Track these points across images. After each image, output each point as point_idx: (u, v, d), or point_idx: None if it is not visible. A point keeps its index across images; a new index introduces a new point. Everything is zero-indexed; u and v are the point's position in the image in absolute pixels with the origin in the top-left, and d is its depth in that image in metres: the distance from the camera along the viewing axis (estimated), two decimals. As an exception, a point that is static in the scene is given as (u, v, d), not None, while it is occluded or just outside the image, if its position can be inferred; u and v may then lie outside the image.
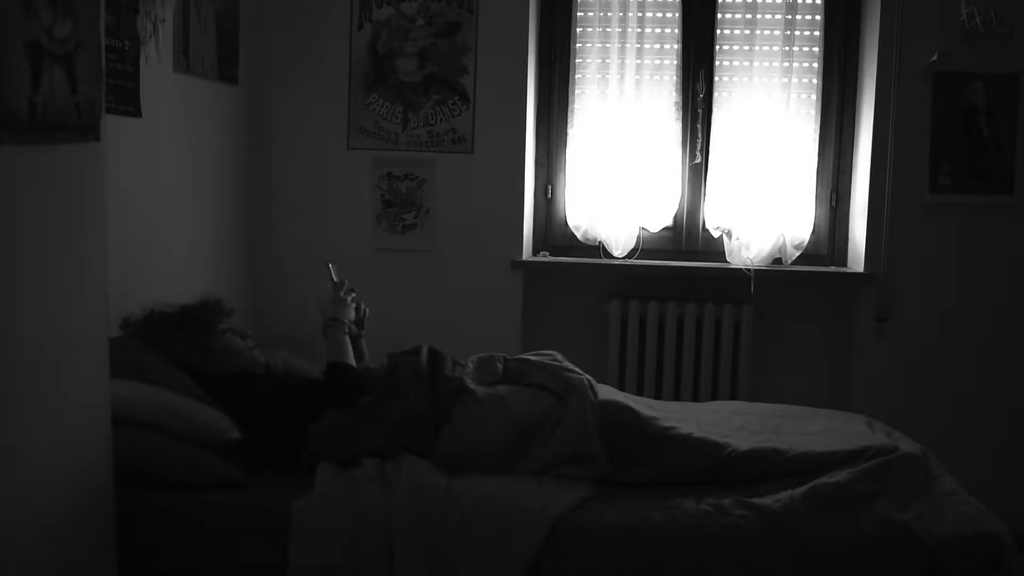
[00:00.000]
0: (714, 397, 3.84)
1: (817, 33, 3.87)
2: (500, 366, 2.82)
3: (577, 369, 2.74)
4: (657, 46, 3.91)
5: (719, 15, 3.89)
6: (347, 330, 2.93)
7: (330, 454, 2.48)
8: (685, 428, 2.57)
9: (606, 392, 2.75)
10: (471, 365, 2.82)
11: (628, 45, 3.88)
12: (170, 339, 2.77)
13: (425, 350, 2.79)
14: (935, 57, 3.65)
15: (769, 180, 3.87)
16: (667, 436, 2.52)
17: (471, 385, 2.65)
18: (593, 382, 2.68)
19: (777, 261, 3.90)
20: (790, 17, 3.84)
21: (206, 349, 2.79)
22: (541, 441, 2.50)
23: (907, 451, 2.52)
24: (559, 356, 2.83)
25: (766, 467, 2.46)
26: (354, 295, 3.06)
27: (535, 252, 4.08)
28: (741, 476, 2.46)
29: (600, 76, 3.92)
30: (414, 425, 2.52)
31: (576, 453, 2.46)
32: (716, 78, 3.92)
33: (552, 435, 2.50)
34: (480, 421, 2.53)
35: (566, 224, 4.04)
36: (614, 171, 3.92)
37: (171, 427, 2.44)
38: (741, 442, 2.55)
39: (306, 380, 2.87)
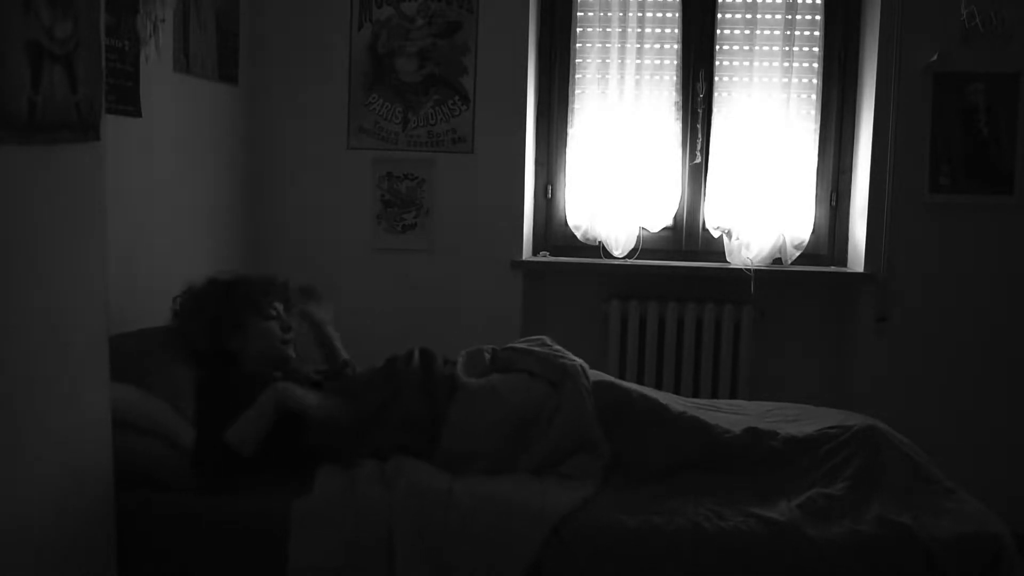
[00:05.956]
0: (714, 397, 3.83)
1: (817, 33, 3.87)
2: (488, 356, 2.80)
3: (568, 353, 2.72)
4: (657, 46, 3.91)
5: (719, 15, 3.89)
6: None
7: (331, 456, 2.47)
8: (678, 407, 2.60)
9: (596, 377, 2.75)
10: (460, 360, 2.80)
11: (628, 45, 3.88)
12: (211, 307, 2.71)
13: (417, 352, 2.77)
14: (935, 57, 3.65)
15: (769, 180, 3.87)
16: (661, 413, 2.54)
17: (463, 379, 2.63)
18: (586, 367, 2.67)
19: (777, 261, 3.90)
20: (790, 17, 3.84)
21: (241, 325, 2.72)
22: (541, 431, 2.49)
23: (884, 434, 2.52)
24: (548, 340, 2.82)
25: (759, 446, 2.48)
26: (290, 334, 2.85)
27: (535, 252, 4.08)
28: (734, 453, 2.47)
29: (600, 76, 3.92)
30: (412, 429, 2.52)
31: (578, 442, 2.46)
32: (716, 78, 3.93)
33: (552, 423, 2.49)
34: (476, 415, 2.52)
35: (566, 224, 4.04)
36: (614, 171, 3.92)
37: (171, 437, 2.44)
38: (734, 427, 2.57)
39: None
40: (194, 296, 2.80)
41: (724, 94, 3.92)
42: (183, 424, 2.50)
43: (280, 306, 2.84)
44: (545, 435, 2.48)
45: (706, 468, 2.47)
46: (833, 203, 3.98)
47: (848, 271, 3.93)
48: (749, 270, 3.83)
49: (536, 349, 2.74)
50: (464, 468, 2.43)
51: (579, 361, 2.68)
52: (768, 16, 3.86)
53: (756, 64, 3.87)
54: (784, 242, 3.88)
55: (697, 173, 3.98)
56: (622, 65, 3.89)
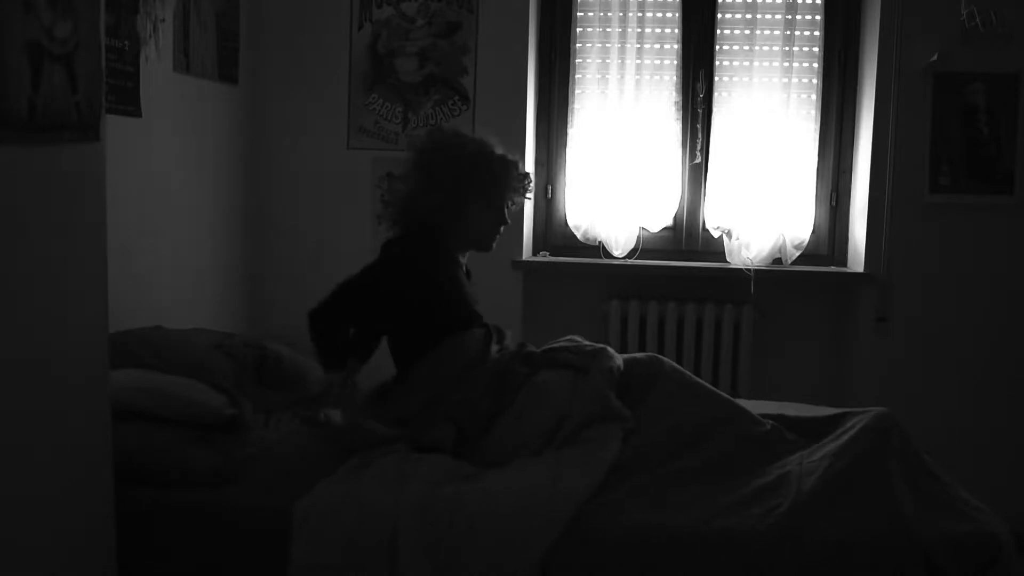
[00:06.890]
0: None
1: (817, 33, 3.87)
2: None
3: (595, 345, 2.79)
4: (657, 46, 3.92)
5: (719, 15, 3.90)
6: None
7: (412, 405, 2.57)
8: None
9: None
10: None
11: (628, 45, 3.89)
12: (483, 161, 2.75)
13: (515, 347, 2.79)
14: (935, 57, 3.65)
15: (769, 180, 3.87)
16: (694, 387, 2.64)
17: (532, 380, 2.65)
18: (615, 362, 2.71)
19: (777, 261, 3.90)
20: (790, 17, 3.84)
21: (496, 196, 2.74)
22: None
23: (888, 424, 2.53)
24: (579, 339, 2.88)
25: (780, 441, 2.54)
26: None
27: (535, 252, 4.08)
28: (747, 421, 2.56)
29: (600, 76, 3.92)
30: (466, 420, 2.55)
31: (597, 414, 2.52)
32: (716, 78, 3.93)
33: (575, 400, 2.55)
34: (529, 414, 2.55)
35: (566, 224, 4.04)
36: (614, 171, 3.92)
37: (163, 411, 2.45)
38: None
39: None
40: (470, 145, 2.80)
41: (724, 94, 3.92)
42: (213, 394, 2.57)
43: (515, 198, 2.82)
44: (570, 419, 2.53)
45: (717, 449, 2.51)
46: (833, 203, 3.98)
47: (848, 271, 3.93)
48: (749, 270, 3.83)
49: (568, 345, 2.80)
50: (508, 459, 2.46)
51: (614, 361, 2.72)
52: (768, 16, 3.86)
53: (756, 64, 3.87)
54: (784, 242, 3.88)
55: (697, 173, 3.98)
56: (622, 65, 3.89)
